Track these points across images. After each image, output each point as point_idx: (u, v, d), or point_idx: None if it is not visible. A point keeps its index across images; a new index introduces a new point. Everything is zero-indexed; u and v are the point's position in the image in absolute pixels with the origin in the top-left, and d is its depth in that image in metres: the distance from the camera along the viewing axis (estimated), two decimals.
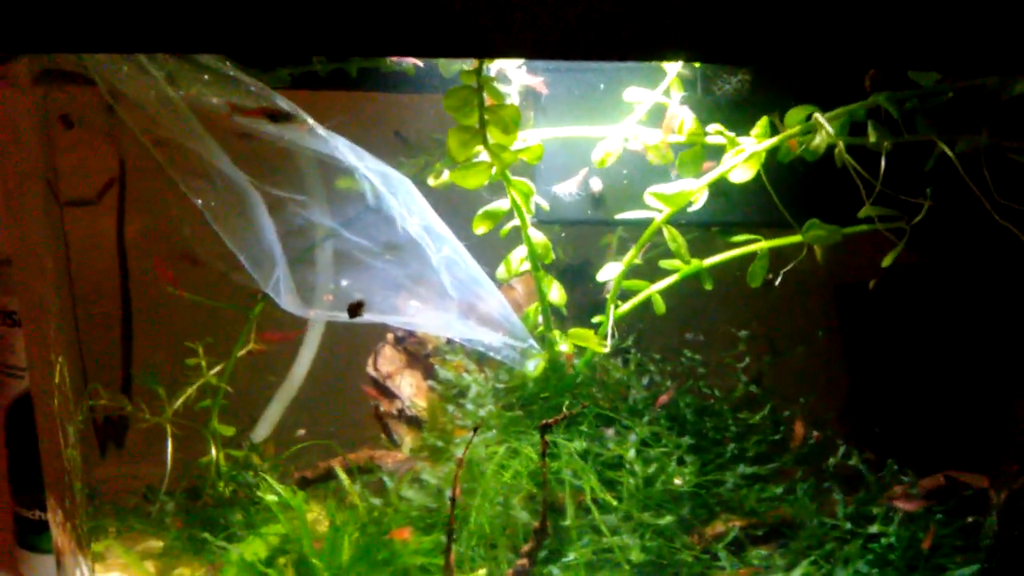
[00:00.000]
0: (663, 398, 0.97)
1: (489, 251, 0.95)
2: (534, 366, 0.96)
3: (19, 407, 1.15)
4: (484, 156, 0.84)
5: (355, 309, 0.89)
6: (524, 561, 0.85)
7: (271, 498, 0.87)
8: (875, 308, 1.03)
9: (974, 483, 0.93)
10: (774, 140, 0.86)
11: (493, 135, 0.81)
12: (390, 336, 1.10)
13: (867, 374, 1.05)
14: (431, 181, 0.96)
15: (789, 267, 0.89)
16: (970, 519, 0.89)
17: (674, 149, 0.91)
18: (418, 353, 1.09)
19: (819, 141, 0.83)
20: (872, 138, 0.82)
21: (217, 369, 1.04)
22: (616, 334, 0.95)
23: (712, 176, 0.87)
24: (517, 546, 0.88)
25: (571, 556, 0.87)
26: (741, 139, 0.87)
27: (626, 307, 0.94)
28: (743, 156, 0.85)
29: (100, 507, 1.01)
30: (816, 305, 1.06)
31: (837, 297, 1.06)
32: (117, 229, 1.06)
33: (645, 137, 0.90)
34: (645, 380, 1.00)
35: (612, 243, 1.05)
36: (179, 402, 1.03)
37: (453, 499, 0.82)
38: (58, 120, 0.92)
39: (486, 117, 0.80)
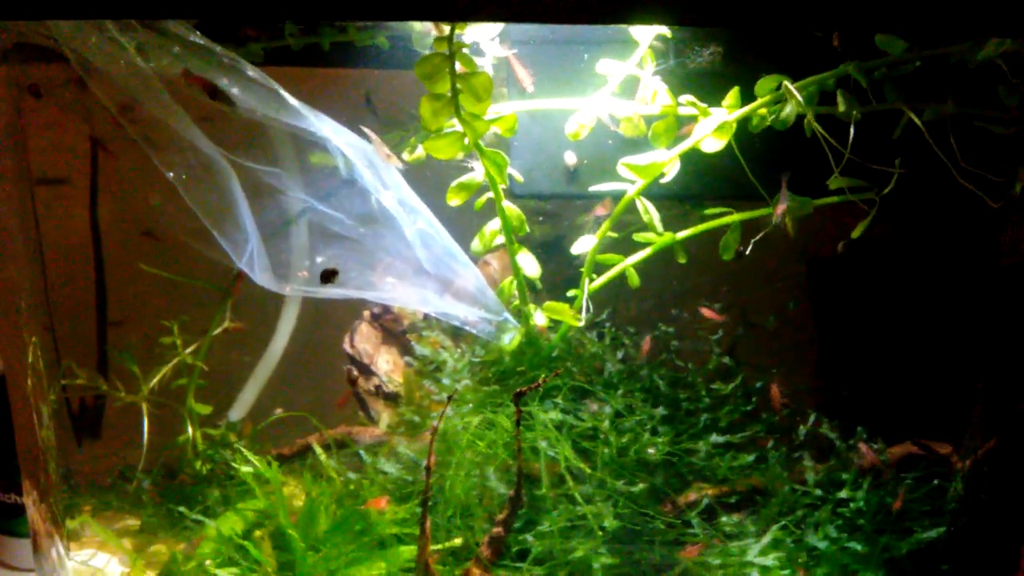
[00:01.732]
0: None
1: (463, 226, 0.96)
2: (509, 339, 0.97)
3: None
4: (458, 126, 0.84)
5: (328, 276, 0.89)
6: (499, 530, 0.86)
7: (247, 470, 0.87)
8: (846, 281, 1.04)
9: (939, 451, 0.94)
10: (745, 110, 0.86)
11: (466, 103, 0.81)
12: (366, 313, 1.10)
13: (838, 346, 1.07)
14: (405, 156, 0.96)
15: (759, 236, 0.90)
16: (936, 482, 0.91)
17: (647, 122, 0.91)
18: (394, 330, 1.10)
19: (789, 111, 0.84)
20: (841, 107, 0.83)
21: (192, 348, 1.04)
22: (591, 308, 0.95)
23: (684, 146, 0.88)
24: (493, 515, 0.88)
25: (545, 524, 0.87)
26: (713, 110, 0.88)
27: (600, 280, 0.95)
28: (714, 126, 0.86)
29: (76, 486, 1.01)
30: (789, 278, 1.07)
31: (809, 270, 1.07)
32: (90, 206, 1.05)
33: (618, 109, 0.90)
34: (620, 354, 1.00)
35: (588, 221, 1.06)
36: (155, 381, 1.03)
37: (428, 468, 0.83)
38: (27, 90, 0.91)
39: (458, 85, 0.80)
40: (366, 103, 1.00)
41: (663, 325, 1.01)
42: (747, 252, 0.91)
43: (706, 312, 1.00)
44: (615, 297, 1.00)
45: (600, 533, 0.87)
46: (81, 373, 1.03)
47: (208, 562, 0.87)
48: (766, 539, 0.88)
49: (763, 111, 0.87)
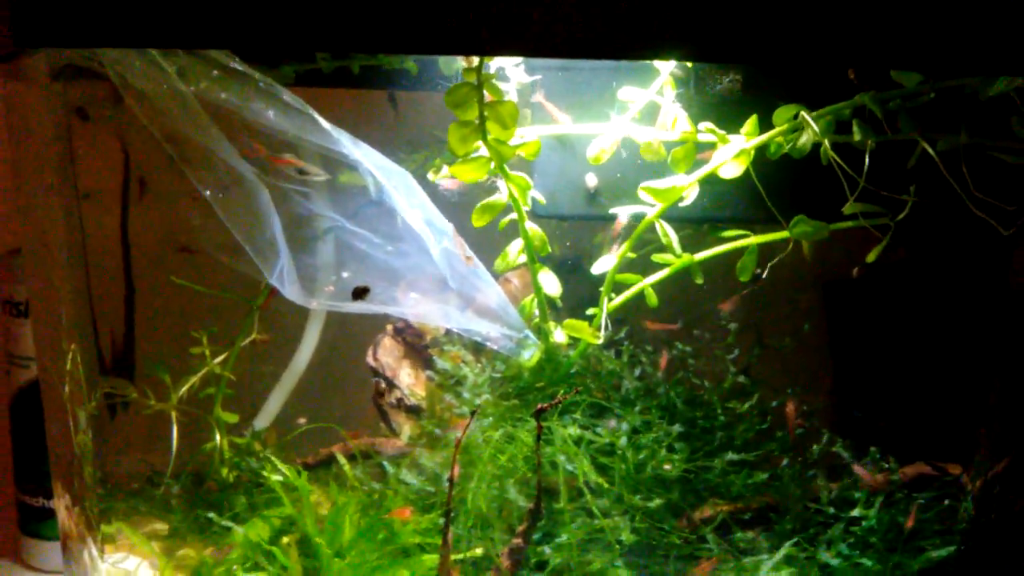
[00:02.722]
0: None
1: (486, 245, 0.98)
2: (530, 355, 0.99)
3: (25, 396, 1.18)
4: (483, 151, 0.87)
5: (359, 293, 0.92)
6: (519, 541, 0.88)
7: (275, 478, 0.90)
8: (861, 304, 1.06)
9: (951, 472, 0.96)
10: (763, 137, 0.89)
11: (492, 130, 0.84)
12: (389, 327, 1.13)
13: (853, 368, 1.08)
14: (431, 176, 0.99)
15: (775, 260, 0.92)
16: (947, 502, 0.92)
17: (667, 147, 0.94)
18: (417, 344, 1.12)
19: (806, 139, 0.87)
20: (857, 136, 0.86)
21: (221, 358, 1.06)
22: (610, 326, 0.98)
23: (703, 172, 0.90)
24: (512, 527, 0.91)
25: (564, 537, 0.90)
26: (731, 137, 0.90)
27: (619, 299, 0.97)
28: (733, 153, 0.88)
29: (112, 490, 1.04)
30: (806, 300, 1.09)
31: (825, 293, 1.09)
32: (121, 219, 1.08)
33: (639, 135, 0.93)
34: (637, 371, 1.03)
35: (605, 240, 1.08)
36: (183, 389, 1.06)
37: (451, 480, 0.85)
38: (74, 113, 0.95)
39: (485, 113, 0.83)
40: (389, 101, 1.03)
41: (680, 344, 1.04)
42: (763, 275, 0.93)
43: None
44: (633, 316, 1.02)
45: (617, 546, 0.89)
46: (110, 380, 1.06)
47: (236, 567, 0.89)
48: (779, 555, 0.90)
49: (780, 139, 0.89)
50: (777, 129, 0.89)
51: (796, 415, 0.97)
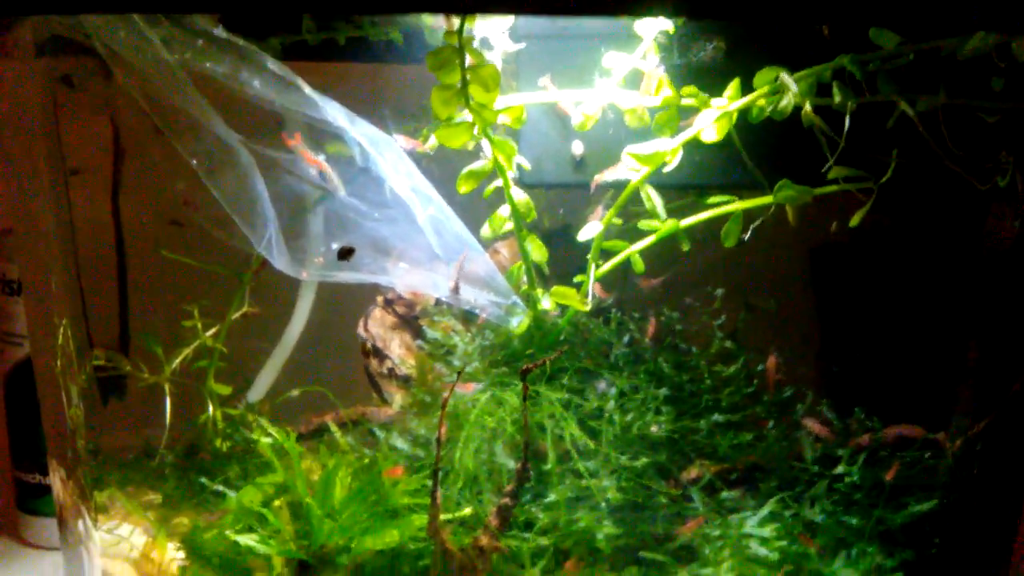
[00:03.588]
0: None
1: (473, 213, 0.99)
2: (518, 322, 1.00)
3: (19, 373, 1.19)
4: (467, 115, 0.87)
5: (345, 254, 0.93)
6: (507, 500, 0.89)
7: (266, 441, 0.91)
8: (848, 268, 1.07)
9: (932, 433, 0.97)
10: (744, 101, 0.89)
11: (475, 93, 0.85)
12: (380, 298, 1.14)
13: (839, 332, 1.10)
14: (419, 144, 0.99)
15: (756, 223, 0.93)
16: (927, 455, 0.94)
17: (652, 113, 0.94)
18: (407, 314, 1.13)
19: (786, 102, 0.87)
20: (837, 98, 0.86)
21: (213, 331, 1.07)
22: (597, 293, 0.98)
23: (686, 136, 0.91)
24: (500, 487, 0.92)
25: (552, 496, 0.91)
26: (713, 101, 0.91)
27: (607, 266, 0.98)
28: (714, 116, 0.89)
29: (104, 462, 1.05)
30: (794, 265, 1.10)
31: (812, 258, 1.10)
32: (112, 194, 1.09)
33: (623, 101, 0.94)
34: (625, 337, 1.04)
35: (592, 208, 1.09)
36: (176, 362, 1.07)
37: (439, 440, 0.86)
38: (60, 81, 0.95)
39: (467, 76, 0.83)
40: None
41: (667, 309, 1.05)
42: (746, 236, 0.94)
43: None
44: (621, 282, 1.03)
45: (604, 505, 0.90)
46: (104, 354, 1.07)
47: (228, 531, 0.90)
48: (763, 511, 0.91)
49: (762, 102, 0.90)
50: (758, 92, 0.89)
51: (776, 370, 0.98)
